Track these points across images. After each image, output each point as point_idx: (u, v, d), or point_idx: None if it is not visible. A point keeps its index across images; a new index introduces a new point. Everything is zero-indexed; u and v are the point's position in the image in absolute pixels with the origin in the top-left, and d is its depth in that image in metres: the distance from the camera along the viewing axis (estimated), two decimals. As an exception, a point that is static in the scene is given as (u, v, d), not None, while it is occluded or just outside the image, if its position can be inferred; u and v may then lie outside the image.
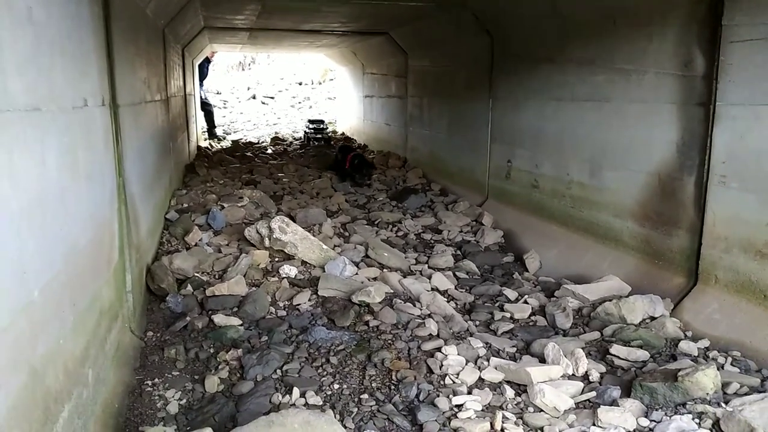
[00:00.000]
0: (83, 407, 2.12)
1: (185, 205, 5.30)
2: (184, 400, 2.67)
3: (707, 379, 2.43)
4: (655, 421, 2.35)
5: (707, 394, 2.43)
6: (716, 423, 2.27)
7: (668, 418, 2.34)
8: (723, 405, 2.40)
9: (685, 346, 2.99)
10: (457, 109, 6.78)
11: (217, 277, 3.92)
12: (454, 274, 4.39)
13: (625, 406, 2.44)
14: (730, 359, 2.88)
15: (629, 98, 3.95)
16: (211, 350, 3.07)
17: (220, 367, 2.90)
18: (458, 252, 4.97)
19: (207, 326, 3.30)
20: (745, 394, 2.51)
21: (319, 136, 11.31)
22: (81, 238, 2.29)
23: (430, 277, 4.19)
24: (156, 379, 2.81)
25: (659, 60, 3.66)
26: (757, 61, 2.97)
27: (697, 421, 2.31)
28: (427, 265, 4.56)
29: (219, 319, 3.32)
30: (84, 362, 2.20)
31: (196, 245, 4.33)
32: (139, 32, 4.22)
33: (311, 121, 11.90)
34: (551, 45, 4.78)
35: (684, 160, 3.51)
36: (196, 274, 3.88)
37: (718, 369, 2.63)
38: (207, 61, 12.00)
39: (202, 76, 11.93)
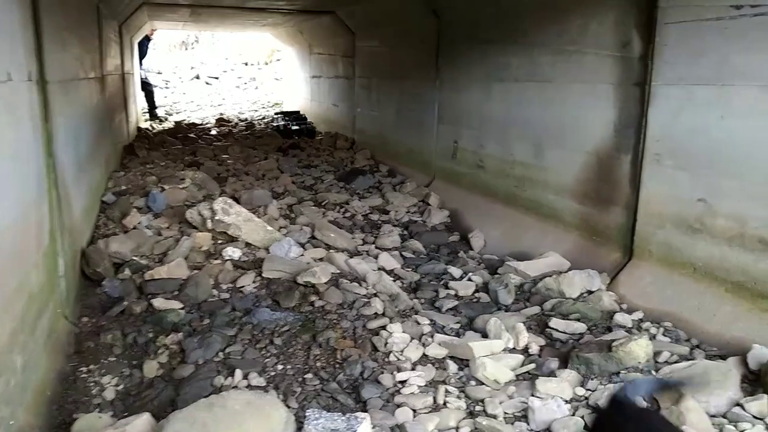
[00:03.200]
0: (11, 395, 2.03)
1: (123, 188, 5.12)
2: (122, 386, 2.58)
3: (639, 349, 2.53)
4: (590, 390, 2.43)
5: (639, 363, 2.53)
6: (648, 390, 2.36)
7: (603, 387, 2.42)
8: (654, 373, 2.50)
9: (620, 318, 3.11)
10: (405, 90, 6.77)
11: (157, 260, 3.81)
12: (401, 254, 4.42)
13: (563, 377, 2.51)
14: (662, 329, 3.00)
15: (570, 79, 4.03)
16: (151, 335, 2.98)
17: (159, 351, 2.83)
18: (405, 232, 5.00)
19: (146, 311, 3.21)
20: (675, 362, 2.62)
21: (299, 127, 10.11)
22: (4, 219, 2.17)
23: (376, 257, 4.20)
24: (92, 366, 2.71)
25: (599, 41, 3.74)
26: (690, 42, 3.07)
27: (630, 388, 2.40)
28: (374, 246, 4.56)
29: (159, 303, 3.23)
30: (11, 349, 2.10)
31: (134, 228, 4.19)
32: (70, 6, 4.00)
33: (285, 114, 11.04)
34: (496, 26, 4.82)
35: (621, 139, 3.61)
36: (134, 258, 3.76)
37: (650, 339, 2.75)
38: (147, 39, 11.53)
39: (142, 54, 11.47)
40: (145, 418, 2.10)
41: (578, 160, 3.98)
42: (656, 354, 2.67)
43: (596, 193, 3.84)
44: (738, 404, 2.31)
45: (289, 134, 9.70)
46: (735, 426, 2.19)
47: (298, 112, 11.29)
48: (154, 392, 2.50)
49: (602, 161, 3.78)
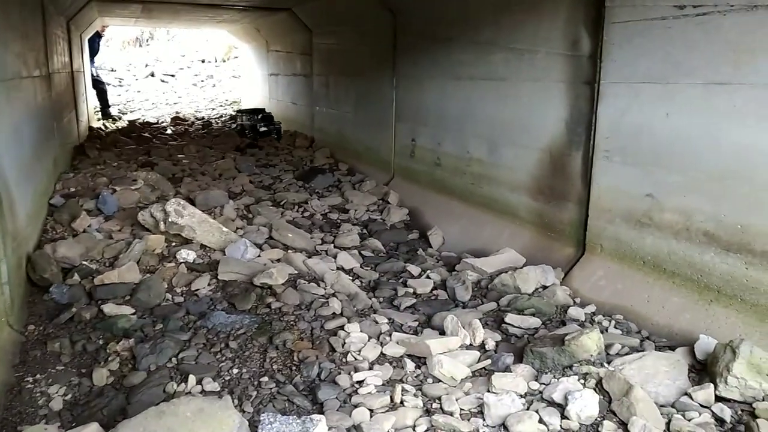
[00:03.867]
0: (-53, 410, 1.94)
1: (72, 190, 4.97)
2: (70, 396, 2.50)
3: (591, 342, 2.58)
4: (544, 384, 2.47)
5: (591, 355, 2.59)
6: (599, 382, 2.42)
7: (556, 380, 2.46)
8: (606, 365, 2.56)
9: (573, 312, 3.17)
10: (362, 87, 6.76)
11: (107, 264, 3.71)
12: (360, 253, 4.40)
13: (518, 372, 2.55)
14: (613, 322, 3.08)
15: (523, 77, 4.08)
16: (101, 342, 2.90)
17: (110, 358, 2.75)
18: (364, 231, 4.99)
19: (96, 317, 3.12)
20: (626, 354, 2.69)
21: (267, 128, 9.23)
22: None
23: (335, 257, 4.18)
24: (38, 375, 2.62)
25: (550, 40, 3.80)
26: (636, 41, 3.15)
27: (582, 381, 2.45)
28: (333, 245, 4.54)
29: (109, 308, 3.14)
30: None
31: (84, 232, 4.06)
32: (10, 3, 3.85)
33: (246, 111, 9.91)
34: (451, 24, 4.84)
35: (572, 137, 3.68)
36: (84, 263, 3.65)
37: (601, 332, 2.82)
38: (98, 35, 11.20)
39: (93, 51, 11.13)
40: (93, 428, 2.05)
41: (532, 157, 4.04)
42: (608, 346, 2.73)
43: (550, 190, 3.91)
44: (686, 393, 2.38)
45: (256, 135, 9.06)
46: (683, 415, 2.26)
47: (264, 110, 10.22)
48: (103, 401, 2.43)
49: (555, 158, 3.84)
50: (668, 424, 2.20)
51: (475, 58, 4.57)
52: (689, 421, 2.21)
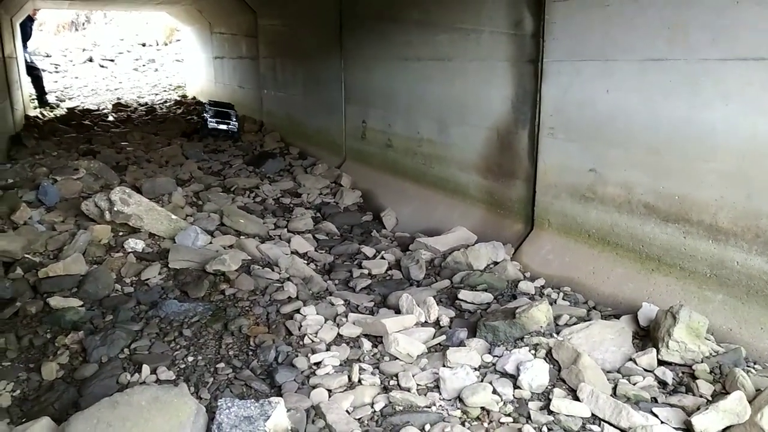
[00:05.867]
0: None
1: (10, 181, 4.76)
2: (18, 391, 2.43)
3: (540, 314, 2.67)
4: (497, 356, 2.54)
5: (541, 327, 2.68)
6: (549, 352, 2.50)
7: (509, 352, 2.54)
8: (555, 335, 2.65)
9: (523, 286, 3.27)
10: (311, 70, 6.68)
11: (51, 257, 3.58)
12: (314, 237, 4.40)
13: (471, 346, 2.61)
14: (561, 294, 3.18)
15: (469, 57, 4.12)
16: (48, 335, 2.81)
17: (59, 352, 2.68)
18: (318, 214, 4.98)
19: (42, 310, 3.02)
20: (574, 324, 2.78)
21: (226, 126, 7.80)
22: None
23: (289, 241, 4.16)
24: (-18, 374, 2.53)
25: (494, 20, 3.85)
26: (576, 19, 3.22)
27: (533, 352, 2.53)
28: (286, 230, 4.52)
29: (56, 301, 3.04)
30: None
31: (25, 224, 3.91)
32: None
33: (212, 104, 8.38)
34: (396, 5, 4.83)
35: (518, 115, 3.75)
36: (26, 256, 3.51)
37: (550, 304, 2.91)
38: (30, 19, 10.65)
39: (26, 36, 10.58)
40: (44, 423, 1.99)
41: (480, 135, 4.11)
42: (557, 317, 2.83)
43: (498, 168, 3.99)
44: (631, 359, 2.49)
45: (209, 132, 7.70)
46: (628, 379, 2.37)
47: (231, 105, 8.44)
48: (54, 395, 2.37)
49: (502, 136, 3.91)
50: (614, 388, 2.30)
51: (422, 38, 4.59)
52: (634, 385, 2.32)
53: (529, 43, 3.58)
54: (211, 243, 3.90)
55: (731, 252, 2.67)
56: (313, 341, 2.77)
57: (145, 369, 2.50)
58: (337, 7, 5.75)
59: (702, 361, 2.41)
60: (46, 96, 11.03)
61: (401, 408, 2.24)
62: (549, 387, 2.31)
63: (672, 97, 2.81)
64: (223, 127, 7.77)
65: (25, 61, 10.29)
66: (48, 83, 11.96)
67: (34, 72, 10.69)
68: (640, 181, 3.02)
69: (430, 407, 2.25)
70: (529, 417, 2.16)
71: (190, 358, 2.64)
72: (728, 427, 2.02)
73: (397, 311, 3.04)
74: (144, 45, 17.01)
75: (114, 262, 3.52)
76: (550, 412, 2.16)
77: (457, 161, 4.37)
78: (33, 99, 10.62)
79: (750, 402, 2.04)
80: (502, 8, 3.75)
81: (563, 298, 3.15)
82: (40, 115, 9.56)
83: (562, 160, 3.43)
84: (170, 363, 2.59)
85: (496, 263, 3.55)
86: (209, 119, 7.79)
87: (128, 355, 2.65)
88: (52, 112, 10.18)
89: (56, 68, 15.01)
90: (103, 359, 2.60)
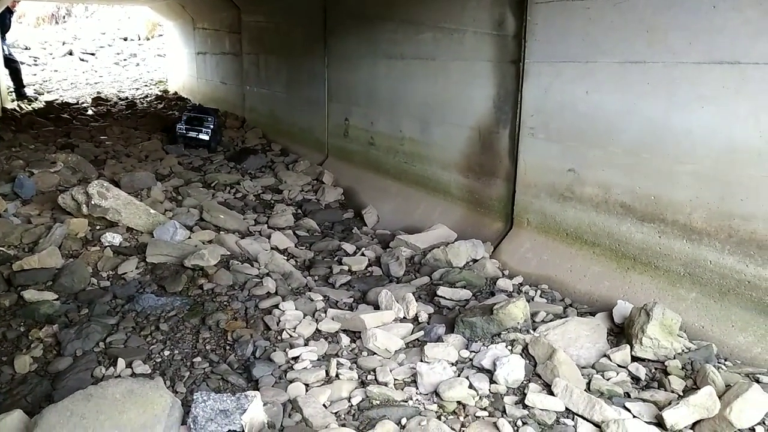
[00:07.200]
0: None
1: (-15, 173, 4.67)
2: (-10, 385, 2.39)
3: (517, 310, 2.70)
4: (474, 351, 2.56)
5: (518, 323, 2.70)
6: (525, 348, 2.53)
7: (486, 348, 2.56)
8: (531, 332, 2.68)
9: (502, 283, 3.29)
10: (294, 66, 6.66)
11: (26, 250, 3.53)
12: (295, 233, 4.39)
13: (449, 341, 2.63)
14: (539, 292, 3.22)
15: (452, 56, 4.15)
16: (22, 329, 2.77)
17: (32, 345, 2.64)
18: (299, 211, 4.97)
19: (16, 304, 2.97)
20: (551, 321, 2.82)
21: (196, 134, 6.85)
22: None
23: (269, 237, 4.15)
24: (-47, 367, 2.48)
25: (477, 20, 3.88)
26: (557, 21, 3.26)
27: (510, 347, 2.56)
28: (266, 226, 4.50)
29: (30, 294, 3.00)
30: None
31: (0, 217, 3.84)
32: None
33: (193, 108, 7.87)
34: (381, 3, 4.84)
35: (500, 115, 3.78)
36: (0, 248, 3.46)
37: (528, 301, 2.94)
38: (9, 11, 10.45)
39: (5, 28, 10.39)
40: (15, 416, 1.96)
41: (462, 135, 4.13)
42: (534, 314, 2.86)
43: (479, 167, 4.01)
44: (605, 355, 2.53)
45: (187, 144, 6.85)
46: (602, 375, 2.40)
47: (215, 110, 7.95)
48: (27, 388, 2.34)
49: (484, 136, 3.94)
50: (589, 383, 2.33)
51: (405, 37, 4.60)
52: (608, 380, 2.35)
53: (511, 43, 3.61)
54: (190, 238, 3.87)
55: (705, 251, 2.72)
56: (291, 336, 2.77)
57: (121, 363, 2.47)
58: (321, 4, 5.74)
59: (674, 358, 2.46)
60: (25, 89, 10.84)
61: (378, 402, 2.25)
62: (524, 382, 2.34)
63: (650, 99, 2.85)
64: (194, 134, 6.87)
65: (3, 53, 10.11)
66: (26, 76, 11.76)
67: (12, 64, 10.49)
68: (618, 182, 3.06)
69: (406, 401, 2.26)
70: (504, 411, 2.18)
71: (167, 352, 2.62)
72: (698, 421, 2.06)
73: (377, 307, 3.05)
74: (126, 39, 16.79)
75: (90, 256, 3.48)
76: (525, 407, 2.18)
77: (439, 160, 4.39)
78: (10, 91, 10.43)
79: (720, 397, 2.08)
80: (486, 8, 3.78)
81: (540, 296, 3.18)
82: (17, 108, 9.40)
83: (542, 159, 3.47)
84: (146, 357, 2.57)
85: (475, 261, 3.57)
86: (178, 125, 6.97)
87: (103, 348, 2.63)
88: (30, 105, 10.01)
89: (35, 61, 14.75)
90: (77, 353, 2.57)
